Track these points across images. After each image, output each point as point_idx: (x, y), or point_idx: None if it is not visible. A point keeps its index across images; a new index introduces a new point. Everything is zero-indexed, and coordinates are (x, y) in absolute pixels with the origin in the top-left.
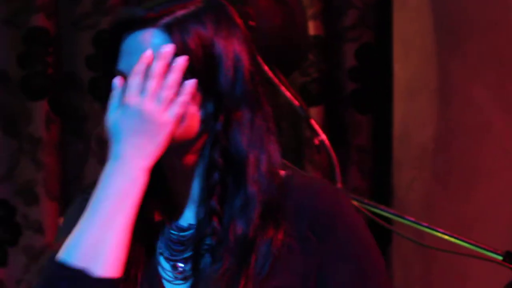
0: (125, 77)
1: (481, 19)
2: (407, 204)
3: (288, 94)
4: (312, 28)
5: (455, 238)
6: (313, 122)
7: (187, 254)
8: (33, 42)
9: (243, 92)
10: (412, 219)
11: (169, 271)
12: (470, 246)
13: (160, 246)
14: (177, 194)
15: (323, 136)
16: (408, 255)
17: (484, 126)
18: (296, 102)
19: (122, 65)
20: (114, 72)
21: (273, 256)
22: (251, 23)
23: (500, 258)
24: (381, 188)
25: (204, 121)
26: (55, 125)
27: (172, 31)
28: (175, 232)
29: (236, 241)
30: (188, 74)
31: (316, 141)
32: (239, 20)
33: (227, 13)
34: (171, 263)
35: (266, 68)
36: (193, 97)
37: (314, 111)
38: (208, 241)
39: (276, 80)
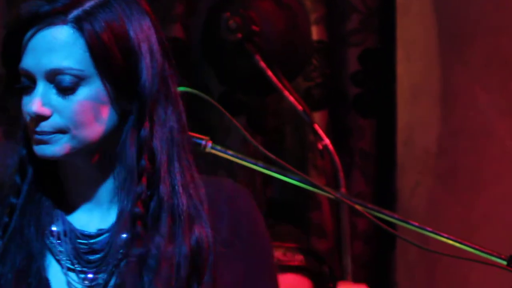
0: (29, 75)
1: (484, 23)
2: (411, 208)
3: (291, 98)
4: (315, 32)
5: (459, 242)
6: (316, 126)
7: (104, 263)
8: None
9: (159, 88)
10: (416, 223)
11: (77, 282)
12: (474, 251)
13: (63, 258)
14: (82, 197)
15: (326, 141)
16: (412, 260)
17: (488, 129)
18: (299, 107)
19: (27, 63)
20: (15, 70)
21: (207, 264)
22: (255, 27)
23: (505, 263)
24: (384, 192)
25: (117, 122)
26: None
27: (82, 25)
28: (84, 241)
29: (168, 249)
30: (104, 71)
31: (320, 146)
32: (148, 8)
33: (136, 0)
34: (81, 275)
35: (269, 73)
36: (105, 97)
37: (317, 116)
38: (134, 249)
39: (279, 85)
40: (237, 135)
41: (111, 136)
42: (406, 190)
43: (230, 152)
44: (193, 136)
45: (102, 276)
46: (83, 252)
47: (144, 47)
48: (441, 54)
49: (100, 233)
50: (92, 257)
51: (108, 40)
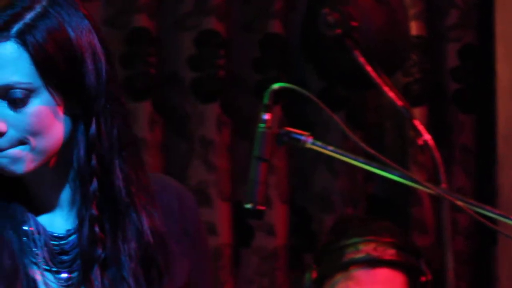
0: None
1: None
2: None
3: (391, 94)
4: (414, 28)
5: None
6: (416, 122)
7: (76, 264)
8: (135, 43)
9: (104, 90)
10: None
11: (53, 282)
12: None
13: (39, 259)
14: (45, 201)
15: (427, 136)
16: None
17: None
18: (399, 103)
19: None
20: None
21: (167, 258)
22: (354, 23)
23: None
24: (485, 188)
25: (71, 127)
26: (158, 125)
27: (25, 39)
28: (55, 242)
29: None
30: (50, 81)
31: (420, 141)
32: (86, 11)
33: (72, 4)
34: (56, 275)
35: (369, 68)
36: (56, 105)
37: (417, 111)
38: (96, 250)
39: (379, 80)
40: (337, 131)
41: (68, 143)
42: (507, 185)
43: (331, 147)
44: (294, 132)
45: (75, 276)
46: (56, 253)
47: (87, 51)
48: None
49: (68, 234)
50: (64, 257)
51: (51, 50)
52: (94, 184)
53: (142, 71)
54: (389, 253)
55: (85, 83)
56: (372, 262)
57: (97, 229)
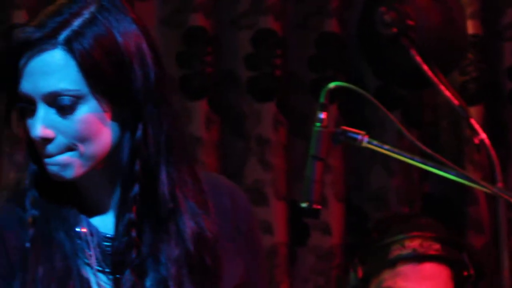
0: (29, 99)
1: None
2: None
3: (447, 93)
4: (470, 27)
5: None
6: (473, 121)
7: (128, 264)
8: (192, 42)
9: (152, 94)
10: None
11: (106, 283)
12: None
13: (92, 260)
14: (97, 203)
15: (483, 135)
16: None
17: None
18: (455, 101)
19: (25, 87)
20: (14, 92)
21: (216, 260)
22: (410, 22)
23: None
24: None
25: (120, 132)
26: (215, 125)
27: (72, 46)
28: (107, 243)
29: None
30: (98, 87)
31: (476, 140)
32: (134, 15)
33: (121, 9)
34: (109, 276)
35: (425, 67)
36: (104, 111)
37: (473, 110)
38: (130, 254)
39: (435, 79)
40: (393, 129)
41: (116, 147)
42: None
43: (387, 146)
44: (350, 131)
45: (127, 277)
46: (109, 254)
47: (135, 56)
48: None
49: (118, 236)
50: (116, 258)
51: (98, 56)
52: (135, 189)
53: (199, 70)
54: (435, 247)
55: (133, 88)
56: (419, 258)
57: (134, 234)
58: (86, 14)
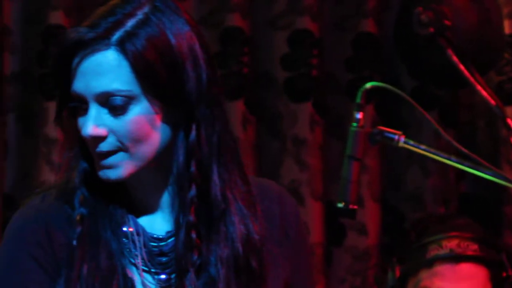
0: (81, 98)
1: None
2: None
3: (484, 93)
4: (507, 27)
5: None
6: (509, 121)
7: (174, 265)
8: (228, 42)
9: (205, 95)
10: None
11: (151, 283)
12: None
13: (138, 259)
14: (145, 203)
15: None
16: None
17: None
18: (492, 101)
19: (78, 87)
20: (65, 93)
21: (261, 263)
22: (447, 22)
23: None
24: None
25: (171, 133)
26: (251, 125)
27: (125, 47)
28: (155, 243)
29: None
30: (150, 88)
31: None
32: (188, 16)
33: (174, 9)
34: (155, 276)
35: (462, 67)
36: (155, 112)
37: (510, 110)
38: (192, 255)
39: (472, 79)
40: (430, 129)
41: (167, 147)
42: None
43: (423, 146)
44: (387, 131)
45: (174, 277)
46: (155, 254)
47: (187, 58)
48: None
49: (168, 236)
50: (163, 259)
51: (151, 57)
52: (193, 190)
53: (235, 71)
54: (472, 248)
55: (186, 89)
56: (456, 258)
57: (194, 235)
58: (139, 15)
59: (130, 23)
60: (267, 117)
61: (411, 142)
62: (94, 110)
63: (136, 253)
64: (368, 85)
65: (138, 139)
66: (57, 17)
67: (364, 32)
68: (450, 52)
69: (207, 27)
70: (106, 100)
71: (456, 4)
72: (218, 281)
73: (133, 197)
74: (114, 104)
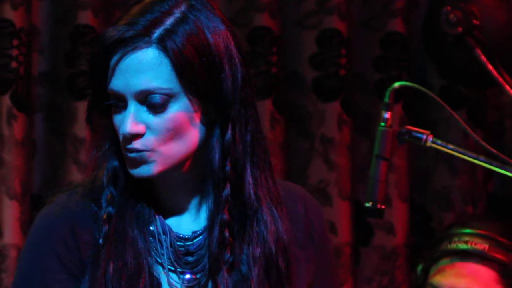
0: (119, 96)
1: None
2: None
3: None
4: None
5: None
6: None
7: (200, 265)
8: (257, 42)
9: (240, 95)
10: None
11: (177, 282)
12: None
13: (164, 259)
14: (173, 203)
15: None
16: None
17: None
18: None
19: (116, 85)
20: (101, 89)
21: (288, 264)
22: (475, 21)
23: None
24: None
25: (206, 133)
26: (279, 124)
27: (165, 45)
28: (181, 243)
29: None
30: (189, 86)
31: None
32: (221, 14)
33: (209, 8)
34: (181, 276)
35: (490, 66)
36: (193, 110)
37: None
38: (224, 253)
39: (500, 79)
40: (458, 129)
41: (200, 146)
42: None
43: (451, 146)
44: (415, 130)
45: (199, 277)
46: (182, 254)
47: (224, 57)
48: None
49: (195, 235)
50: (189, 258)
51: (191, 55)
52: (227, 189)
53: (264, 70)
54: (481, 247)
55: (222, 88)
56: (464, 256)
57: (227, 233)
58: (177, 13)
59: (169, 21)
60: (295, 116)
61: (439, 141)
62: (133, 107)
63: (163, 252)
64: (396, 84)
65: (175, 137)
66: (85, 17)
67: (392, 32)
68: (478, 51)
69: (236, 26)
70: (145, 98)
71: (484, 3)
72: (250, 280)
73: (161, 197)
74: (153, 102)
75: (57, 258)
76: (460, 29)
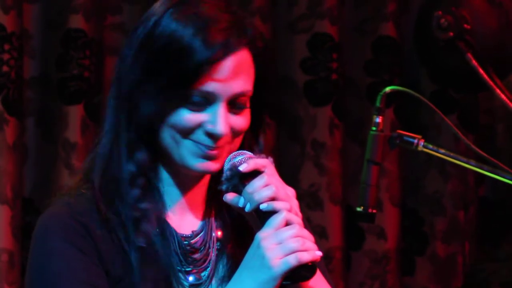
0: (209, 96)
1: None
2: None
3: (503, 97)
4: None
5: None
6: None
7: (204, 264)
8: None
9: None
10: None
11: (184, 280)
12: None
13: (177, 262)
14: (176, 204)
15: None
16: None
17: None
18: (511, 105)
19: (212, 86)
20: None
21: None
22: (467, 26)
23: None
24: None
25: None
26: (270, 129)
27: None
28: (185, 242)
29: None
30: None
31: None
32: None
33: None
34: (187, 275)
35: (481, 71)
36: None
37: None
38: (226, 250)
39: (491, 83)
40: (449, 133)
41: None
42: None
43: (442, 150)
44: (406, 135)
45: (205, 273)
46: (188, 252)
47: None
48: None
49: (195, 234)
50: (195, 256)
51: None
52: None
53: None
54: None
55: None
56: None
57: (229, 232)
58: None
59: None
60: (286, 121)
61: (431, 146)
62: (225, 108)
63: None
64: (388, 89)
65: (241, 134)
66: (76, 21)
67: (384, 36)
68: (469, 55)
69: (296, 32)
70: (236, 99)
71: (475, 8)
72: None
73: (166, 198)
74: (241, 103)
75: (76, 248)
76: (451, 33)
